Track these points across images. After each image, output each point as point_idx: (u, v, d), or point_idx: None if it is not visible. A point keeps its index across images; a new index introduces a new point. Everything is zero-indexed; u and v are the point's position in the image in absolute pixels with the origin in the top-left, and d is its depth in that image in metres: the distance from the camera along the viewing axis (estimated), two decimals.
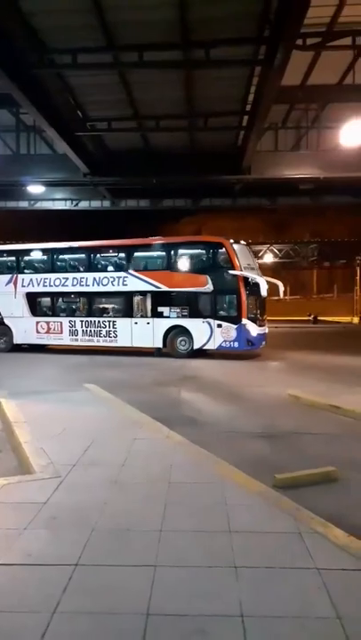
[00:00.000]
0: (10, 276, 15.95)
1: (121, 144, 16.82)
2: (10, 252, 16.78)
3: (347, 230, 34.36)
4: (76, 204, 21.19)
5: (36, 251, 16.70)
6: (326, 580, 2.62)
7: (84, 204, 21.23)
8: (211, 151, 16.37)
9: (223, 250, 13.97)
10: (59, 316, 15.68)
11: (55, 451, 4.80)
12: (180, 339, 14.27)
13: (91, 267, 15.47)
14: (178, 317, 14.31)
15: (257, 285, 13.57)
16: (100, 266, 15.57)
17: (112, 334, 14.94)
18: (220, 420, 6.63)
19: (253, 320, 13.82)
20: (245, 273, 13.60)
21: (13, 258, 16.41)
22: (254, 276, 13.66)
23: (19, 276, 15.86)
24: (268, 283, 14.22)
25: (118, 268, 15.22)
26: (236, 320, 13.60)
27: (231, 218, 33.90)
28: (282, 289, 15.38)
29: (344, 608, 2.39)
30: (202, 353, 14.13)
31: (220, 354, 14.10)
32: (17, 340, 15.81)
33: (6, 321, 15.93)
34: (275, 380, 10.21)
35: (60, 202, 21.04)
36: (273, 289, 15.07)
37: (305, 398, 7.68)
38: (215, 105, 13.62)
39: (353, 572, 2.71)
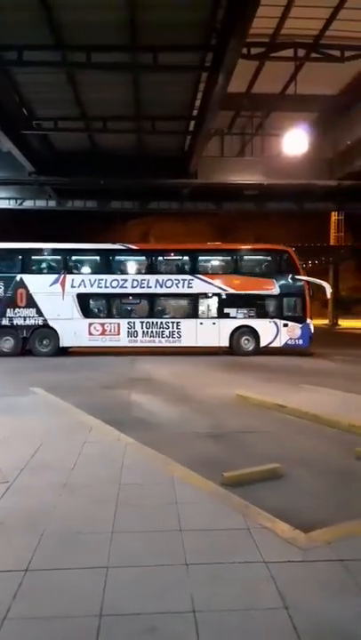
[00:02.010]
0: (56, 276, 15.25)
1: (68, 144, 16.62)
2: (56, 252, 15.90)
3: (290, 235, 35.42)
4: (21, 204, 20.68)
5: (90, 251, 16.42)
6: (274, 572, 2.72)
7: (28, 204, 20.75)
8: (159, 154, 16.49)
9: (288, 257, 15.63)
10: (115, 317, 15.45)
11: (1, 455, 4.68)
12: (245, 338, 15.35)
13: (153, 269, 15.69)
14: (245, 318, 15.41)
15: (319, 289, 15.85)
16: (162, 268, 15.89)
17: (175, 335, 15.38)
18: (171, 421, 6.69)
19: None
20: (309, 278, 15.63)
21: (59, 257, 15.71)
22: (317, 281, 15.63)
23: (67, 276, 15.24)
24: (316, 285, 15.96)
25: (183, 270, 15.75)
26: (301, 320, 15.31)
27: (178, 221, 34.22)
28: (329, 291, 16.53)
29: (290, 598, 2.49)
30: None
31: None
32: (64, 342, 15.26)
33: (51, 323, 15.13)
34: (223, 380, 10.39)
35: (3, 200, 20.45)
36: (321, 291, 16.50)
37: (253, 398, 7.88)
38: (163, 109, 13.74)
39: (298, 563, 2.83)
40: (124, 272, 15.89)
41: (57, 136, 16.10)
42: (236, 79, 12.03)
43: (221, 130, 17.52)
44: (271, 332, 15.28)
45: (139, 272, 15.89)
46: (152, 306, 15.50)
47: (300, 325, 15.28)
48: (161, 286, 15.37)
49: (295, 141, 14.55)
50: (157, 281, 15.39)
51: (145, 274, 15.63)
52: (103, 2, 9.33)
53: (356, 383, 9.75)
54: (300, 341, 15.30)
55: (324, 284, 16.39)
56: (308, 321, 15.30)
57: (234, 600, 2.50)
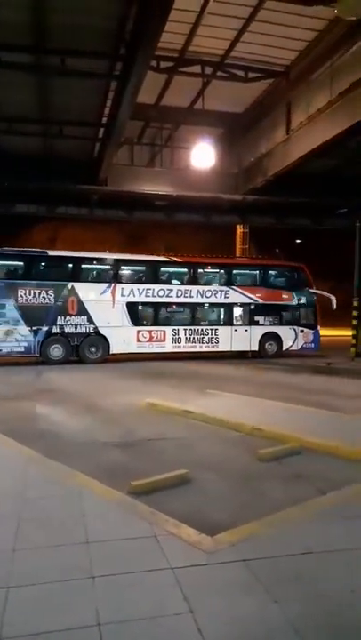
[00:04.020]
0: (107, 284, 15.71)
1: None
2: (107, 261, 16.46)
3: (199, 246, 36.27)
4: None
5: (138, 262, 17.10)
6: (180, 577, 2.75)
7: None
8: (67, 159, 16.19)
9: (303, 273, 18.00)
10: (160, 324, 16.21)
11: None
12: (268, 342, 17.31)
13: (194, 280, 16.98)
14: (271, 325, 17.45)
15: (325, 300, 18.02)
16: (203, 279, 17.31)
17: (214, 340, 16.86)
18: (77, 432, 6.54)
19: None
20: (319, 291, 17.99)
21: (110, 266, 16.25)
22: (325, 293, 17.79)
23: (117, 285, 15.73)
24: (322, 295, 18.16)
25: (221, 282, 17.27)
26: (313, 326, 17.81)
27: (87, 227, 33.64)
28: (335, 302, 18.19)
29: (195, 602, 2.53)
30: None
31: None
32: (114, 349, 15.67)
33: (102, 331, 15.45)
34: (132, 388, 10.35)
35: None
36: (327, 301, 18.45)
37: (161, 405, 7.94)
38: (71, 114, 13.54)
39: (203, 566, 2.88)
40: (168, 282, 16.80)
41: None
42: (145, 90, 12.18)
43: (131, 139, 17.61)
44: (291, 337, 17.54)
45: (182, 282, 16.96)
46: (194, 314, 16.81)
47: (313, 331, 17.78)
48: (202, 296, 16.79)
49: (203, 155, 15.02)
50: (198, 291, 16.76)
51: (187, 284, 16.83)
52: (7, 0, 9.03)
53: (259, 388, 10.19)
54: (313, 345, 17.79)
55: (332, 296, 18.23)
56: (318, 327, 17.87)
57: (140, 609, 2.49)
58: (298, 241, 35.26)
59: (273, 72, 14.16)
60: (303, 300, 17.81)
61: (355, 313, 16.77)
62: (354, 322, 16.71)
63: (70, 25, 9.63)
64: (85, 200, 18.33)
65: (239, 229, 32.40)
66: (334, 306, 19.32)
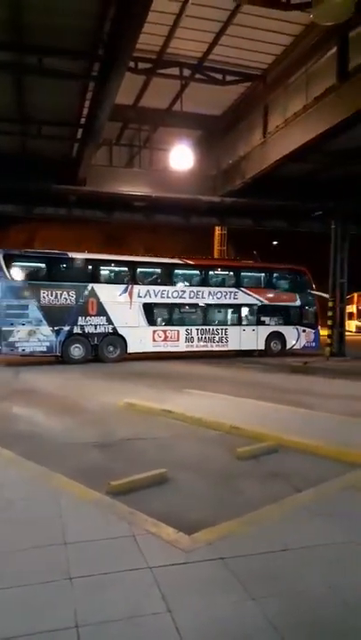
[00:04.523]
0: (125, 286, 16.25)
1: None
2: (125, 263, 17.08)
3: (178, 247, 36.30)
4: None
5: (154, 264, 17.77)
6: (158, 576, 2.76)
7: None
8: (45, 159, 15.99)
9: (306, 276, 19.07)
10: (174, 324, 16.84)
11: None
12: (274, 341, 18.10)
13: (205, 282, 17.74)
14: (276, 325, 18.32)
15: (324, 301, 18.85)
16: (213, 281, 18.01)
17: (224, 340, 17.56)
18: (56, 433, 6.50)
19: None
20: (319, 292, 18.77)
21: (127, 268, 16.87)
22: (324, 295, 18.34)
23: (134, 286, 16.29)
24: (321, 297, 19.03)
25: (230, 284, 18.07)
26: (314, 326, 18.83)
27: (66, 227, 33.35)
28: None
29: (173, 601, 2.54)
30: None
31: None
32: (131, 349, 16.12)
33: (120, 330, 15.96)
34: (110, 388, 10.31)
35: None
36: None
37: (140, 405, 7.94)
38: (49, 114, 13.40)
39: (181, 565, 2.90)
40: (181, 284, 17.54)
41: None
42: (124, 91, 12.14)
43: (110, 140, 17.51)
44: (294, 336, 18.56)
45: (194, 284, 17.68)
46: (205, 314, 17.50)
47: (314, 331, 18.84)
48: (212, 297, 17.52)
49: (181, 157, 15.02)
50: (210, 292, 17.50)
51: (199, 286, 17.54)
52: None
53: (237, 387, 10.27)
54: (314, 344, 18.72)
55: (326, 295, 19.07)
56: (318, 327, 18.94)
57: (118, 609, 2.49)
58: (275, 243, 35.63)
59: (250, 75, 14.27)
60: (305, 302, 18.85)
61: (330, 313, 17.03)
62: (329, 322, 16.96)
63: (48, 24, 9.52)
64: (64, 200, 18.16)
65: (218, 231, 32.62)
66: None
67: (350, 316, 33.34)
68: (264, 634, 2.31)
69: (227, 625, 2.39)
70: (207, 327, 17.39)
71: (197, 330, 17.20)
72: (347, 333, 19.66)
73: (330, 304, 17.07)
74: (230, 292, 17.84)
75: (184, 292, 17.21)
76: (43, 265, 15.83)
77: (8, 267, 14.98)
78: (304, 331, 18.71)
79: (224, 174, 17.07)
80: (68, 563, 2.90)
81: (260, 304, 18.16)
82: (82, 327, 15.48)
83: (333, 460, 5.01)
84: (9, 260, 15.08)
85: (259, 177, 15.02)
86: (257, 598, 2.56)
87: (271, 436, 5.72)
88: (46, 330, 14.98)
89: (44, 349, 15.05)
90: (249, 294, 18.09)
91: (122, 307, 16.04)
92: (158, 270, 17.48)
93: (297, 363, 15.61)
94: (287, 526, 3.42)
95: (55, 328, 15.07)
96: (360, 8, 8.96)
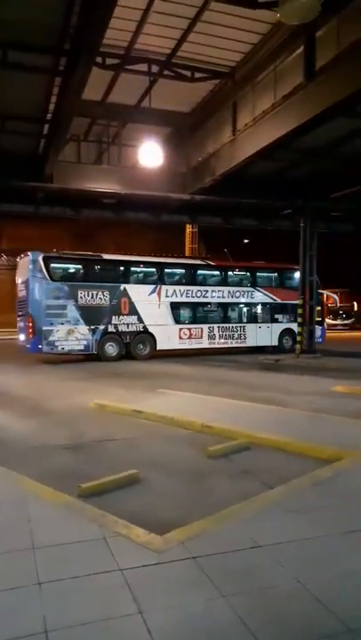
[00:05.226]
0: (153, 286, 16.99)
1: None
2: (154, 265, 17.85)
3: (149, 245, 36.18)
4: None
5: (179, 265, 18.74)
6: (129, 578, 2.73)
7: None
8: (10, 155, 15.66)
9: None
10: (198, 322, 17.70)
11: None
12: (285, 338, 19.06)
13: (225, 282, 18.66)
14: (288, 322, 19.14)
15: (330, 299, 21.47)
16: (232, 281, 18.89)
17: (242, 336, 18.54)
18: (24, 436, 6.38)
19: None
20: (325, 291, 20.49)
21: (154, 269, 17.60)
22: (330, 293, 20.36)
23: (162, 286, 17.05)
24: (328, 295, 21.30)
25: (247, 284, 19.02)
26: (320, 323, 19.71)
27: (34, 225, 32.75)
28: (338, 300, 21.85)
29: (145, 602, 2.52)
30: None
31: None
32: (160, 346, 16.82)
33: (150, 329, 16.64)
34: (80, 389, 10.19)
35: None
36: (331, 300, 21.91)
37: (110, 405, 7.87)
38: (14, 108, 13.13)
39: (152, 566, 2.87)
40: (203, 284, 18.34)
41: None
42: (91, 87, 12.00)
43: (77, 136, 17.30)
44: None
45: (215, 284, 18.51)
46: (225, 313, 18.43)
47: (320, 327, 19.80)
48: (232, 296, 18.49)
49: (151, 154, 14.94)
50: (229, 292, 18.44)
51: (220, 285, 18.43)
52: None
53: (209, 385, 10.30)
54: (320, 339, 19.53)
55: (335, 295, 21.17)
56: (324, 324, 20.48)
57: (89, 613, 2.45)
58: (246, 241, 35.89)
59: (219, 73, 14.30)
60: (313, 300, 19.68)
61: (300, 311, 17.27)
62: (299, 319, 17.20)
63: (12, 18, 9.32)
64: (31, 197, 17.85)
65: (189, 229, 32.67)
66: (338, 304, 22.66)
67: None
68: (234, 630, 2.31)
69: (198, 623, 2.38)
70: (228, 325, 18.35)
71: (219, 327, 18.12)
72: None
73: (299, 301, 17.30)
74: (248, 292, 18.88)
75: (207, 291, 18.11)
76: (79, 266, 16.50)
77: (47, 269, 15.44)
78: None
79: (194, 172, 17.07)
80: (37, 567, 2.84)
81: (273, 302, 19.25)
82: (115, 326, 16.15)
83: (304, 456, 5.07)
84: (48, 262, 15.56)
85: (228, 175, 15.09)
86: (228, 596, 2.56)
87: (242, 434, 5.75)
88: (84, 329, 15.61)
89: (82, 348, 15.68)
90: (264, 293, 19.14)
91: (151, 306, 16.76)
92: (183, 271, 18.31)
93: (268, 360, 15.79)
94: (258, 523, 3.43)
95: (92, 327, 15.72)
96: (326, 8, 9.09)
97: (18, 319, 16.51)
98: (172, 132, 17.69)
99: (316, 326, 19.48)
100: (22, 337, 15.86)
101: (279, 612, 2.47)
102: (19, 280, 16.42)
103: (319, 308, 19.70)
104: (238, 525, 3.39)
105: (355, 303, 37.30)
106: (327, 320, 38.70)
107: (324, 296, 20.87)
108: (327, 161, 15.09)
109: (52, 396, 9.33)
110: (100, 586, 2.69)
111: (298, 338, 17.09)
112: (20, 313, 16.32)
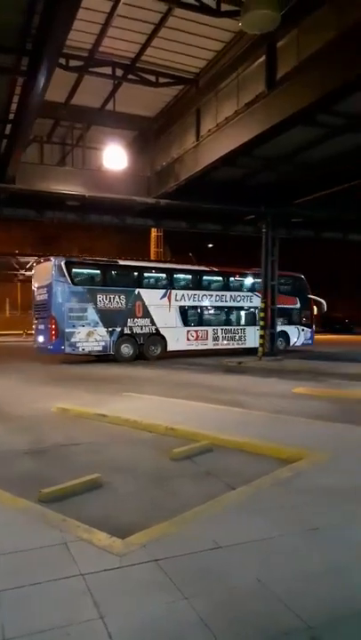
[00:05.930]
0: (164, 290, 18.03)
1: None
2: (165, 270, 19.28)
3: (114, 248, 35.97)
4: None
5: (187, 271, 19.83)
6: (90, 583, 2.70)
7: None
8: None
9: (304, 281, 21.79)
10: (204, 325, 18.87)
11: None
12: (280, 339, 19.77)
13: (227, 287, 19.93)
14: (281, 325, 19.97)
15: (318, 303, 22.49)
16: (233, 286, 20.13)
17: (243, 338, 19.88)
18: None
19: None
20: (314, 296, 21.97)
21: (165, 274, 18.73)
22: (318, 298, 22.03)
23: (172, 291, 18.14)
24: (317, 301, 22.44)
25: (246, 288, 20.32)
26: (310, 326, 21.79)
27: None
28: (325, 306, 23.02)
29: (106, 607, 2.50)
30: None
31: None
32: (170, 347, 17.84)
33: (162, 331, 17.64)
34: (44, 394, 10.03)
35: None
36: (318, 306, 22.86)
37: (73, 409, 7.77)
38: None
39: (114, 570, 2.85)
40: (208, 288, 19.55)
41: None
42: (55, 88, 11.89)
43: (41, 137, 17.09)
44: (296, 335, 21.28)
45: (219, 289, 19.72)
46: (228, 316, 19.66)
47: (310, 330, 21.72)
48: (233, 300, 19.78)
49: (115, 157, 14.88)
50: (231, 296, 19.73)
51: (223, 290, 19.67)
52: None
53: (174, 388, 10.32)
54: (310, 341, 21.69)
55: (322, 300, 22.43)
56: (313, 327, 22.00)
57: (49, 620, 2.42)
58: (210, 245, 36.21)
59: (183, 79, 14.42)
60: (304, 304, 21.56)
61: (261, 314, 17.53)
62: (261, 323, 17.45)
63: None
64: None
65: (154, 232, 32.69)
66: (325, 309, 23.38)
67: None
68: (196, 631, 2.33)
69: (160, 626, 2.38)
70: (230, 327, 19.59)
71: (222, 330, 19.34)
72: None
73: (261, 305, 17.57)
74: (247, 296, 20.16)
75: (211, 295, 19.36)
76: (98, 271, 17.30)
77: (69, 273, 16.14)
78: (303, 330, 21.50)
79: (158, 176, 17.11)
80: None
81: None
82: (130, 328, 17.02)
83: (265, 456, 5.15)
84: (70, 267, 16.25)
85: (192, 180, 15.19)
86: (190, 597, 2.57)
87: (206, 436, 5.79)
88: (102, 331, 16.43)
89: (100, 349, 16.52)
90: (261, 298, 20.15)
91: (162, 309, 17.76)
92: (190, 276, 19.42)
93: (232, 362, 15.94)
94: (220, 524, 3.46)
95: (109, 329, 16.56)
96: (287, 19, 9.30)
97: (35, 322, 17.13)
98: (137, 136, 17.72)
99: (307, 329, 21.62)
100: (41, 338, 16.43)
101: (241, 611, 2.50)
102: (37, 284, 17.07)
103: (309, 311, 21.59)
104: (200, 527, 3.41)
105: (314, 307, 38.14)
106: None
107: (312, 301, 22.28)
108: (289, 168, 15.40)
109: (12, 402, 9.13)
110: (60, 592, 2.65)
111: (259, 341, 17.32)
112: (38, 315, 16.87)
